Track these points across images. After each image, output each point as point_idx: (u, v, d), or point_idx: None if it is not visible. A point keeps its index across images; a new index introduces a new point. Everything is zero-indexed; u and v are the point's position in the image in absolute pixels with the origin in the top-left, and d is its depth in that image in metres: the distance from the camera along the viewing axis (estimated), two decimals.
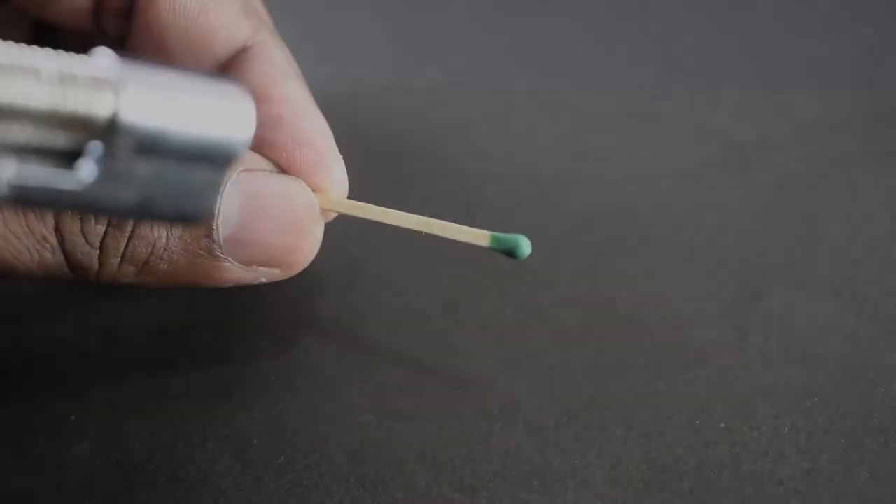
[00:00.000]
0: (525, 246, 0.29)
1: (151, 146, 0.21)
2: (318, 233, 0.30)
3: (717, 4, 0.49)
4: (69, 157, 0.20)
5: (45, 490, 0.30)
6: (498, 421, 0.31)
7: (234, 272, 0.29)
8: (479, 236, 0.29)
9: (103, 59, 0.20)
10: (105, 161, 0.20)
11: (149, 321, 0.35)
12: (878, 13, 0.48)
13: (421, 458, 0.30)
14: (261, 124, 0.29)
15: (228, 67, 0.29)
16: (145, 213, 0.22)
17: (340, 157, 0.30)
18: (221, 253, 0.28)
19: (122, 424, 0.31)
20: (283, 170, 0.29)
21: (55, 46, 0.20)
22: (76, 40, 0.33)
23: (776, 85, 0.44)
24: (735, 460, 0.30)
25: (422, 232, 0.29)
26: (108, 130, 0.20)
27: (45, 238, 0.26)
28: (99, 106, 0.20)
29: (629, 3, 0.50)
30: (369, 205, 0.30)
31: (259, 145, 0.28)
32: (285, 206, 0.29)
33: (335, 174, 0.30)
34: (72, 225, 0.26)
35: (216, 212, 0.27)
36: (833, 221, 0.37)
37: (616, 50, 0.47)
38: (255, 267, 0.29)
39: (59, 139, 0.20)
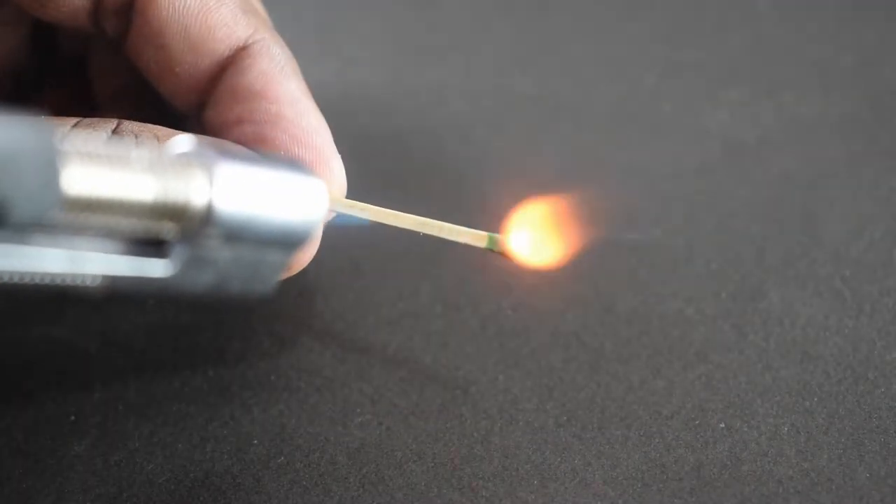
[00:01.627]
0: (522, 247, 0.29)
1: (237, 235, 0.21)
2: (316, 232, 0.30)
3: (717, 4, 0.49)
4: (156, 245, 0.21)
5: (45, 490, 0.30)
6: (498, 421, 0.31)
7: None
8: (476, 237, 0.29)
9: (189, 147, 0.21)
10: (191, 249, 0.21)
11: (149, 321, 0.35)
12: (878, 13, 0.48)
13: (421, 458, 0.30)
14: (259, 122, 0.29)
15: (228, 65, 0.29)
16: (216, 292, 0.22)
17: (339, 156, 0.30)
18: None
19: (122, 424, 0.31)
20: None
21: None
22: (74, 39, 0.33)
23: (776, 85, 0.44)
24: (735, 460, 0.30)
25: (419, 232, 0.29)
26: (201, 220, 0.20)
27: None
28: (194, 196, 0.20)
29: (629, 3, 0.50)
30: (368, 205, 0.30)
31: (257, 143, 0.28)
32: None
33: (333, 173, 0.30)
34: None
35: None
36: (833, 221, 0.37)
37: (616, 50, 0.47)
38: None
39: (151, 228, 0.20)
